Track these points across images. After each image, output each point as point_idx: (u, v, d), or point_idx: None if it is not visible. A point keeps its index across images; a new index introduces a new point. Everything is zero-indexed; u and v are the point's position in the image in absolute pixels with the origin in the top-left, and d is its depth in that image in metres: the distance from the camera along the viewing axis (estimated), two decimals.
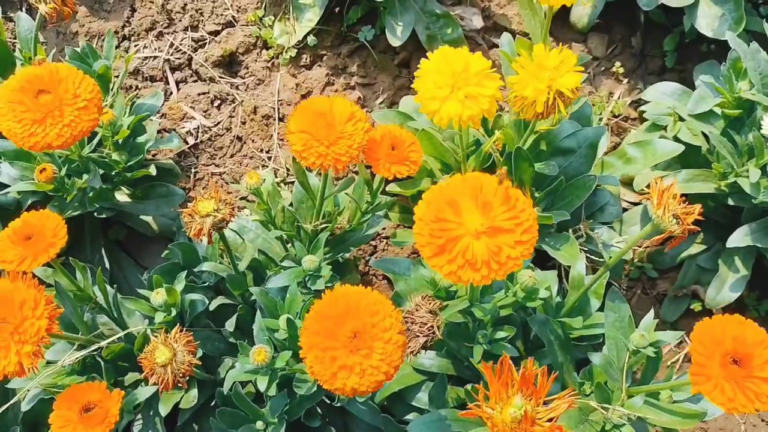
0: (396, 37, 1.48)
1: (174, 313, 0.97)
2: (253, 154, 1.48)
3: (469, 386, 0.94)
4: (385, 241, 1.41)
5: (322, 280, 1.00)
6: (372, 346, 0.75)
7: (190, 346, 0.85)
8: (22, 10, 1.52)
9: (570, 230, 1.13)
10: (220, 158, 1.47)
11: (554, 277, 1.00)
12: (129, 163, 1.09)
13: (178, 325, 0.87)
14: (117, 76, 1.24)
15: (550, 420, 0.64)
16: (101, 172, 1.07)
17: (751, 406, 0.69)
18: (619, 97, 1.61)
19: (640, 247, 1.45)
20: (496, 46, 1.65)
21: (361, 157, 0.95)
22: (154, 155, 1.36)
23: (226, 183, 1.45)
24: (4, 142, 1.08)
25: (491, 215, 0.74)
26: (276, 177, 1.45)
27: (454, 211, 0.76)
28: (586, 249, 1.12)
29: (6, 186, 1.08)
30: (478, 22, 1.63)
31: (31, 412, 0.96)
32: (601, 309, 1.01)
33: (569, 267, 1.05)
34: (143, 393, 0.91)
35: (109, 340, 0.93)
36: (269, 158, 1.47)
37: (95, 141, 1.07)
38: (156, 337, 0.84)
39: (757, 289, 1.39)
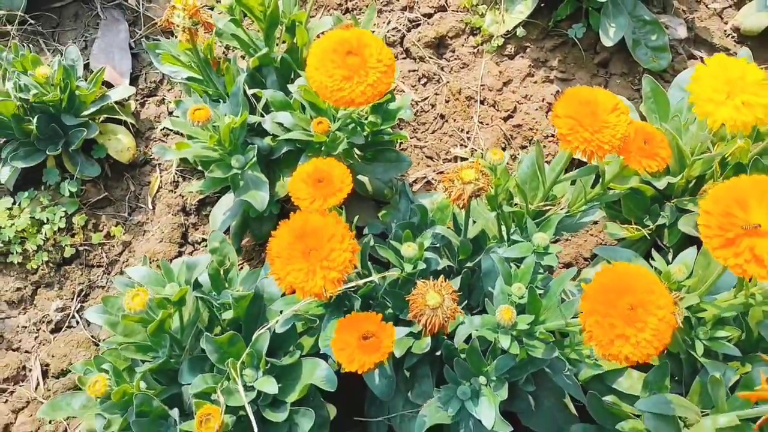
0: (609, 37, 1.53)
1: (419, 267, 1.06)
2: (453, 133, 1.56)
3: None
4: None
5: (552, 257, 1.07)
6: (646, 320, 0.81)
7: (454, 295, 0.94)
8: None
9: None
10: (422, 132, 1.56)
11: None
12: (381, 126, 1.19)
13: (442, 277, 0.96)
14: None
15: None
16: (360, 140, 1.18)
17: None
18: None
19: None
20: (694, 57, 1.67)
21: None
22: None
23: (427, 157, 1.54)
24: (274, 93, 1.20)
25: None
26: (473, 156, 1.53)
27: (742, 208, 0.81)
28: None
29: (267, 134, 1.21)
30: (682, 32, 1.65)
31: (281, 335, 1.08)
32: None
33: None
34: (398, 332, 1.00)
35: (366, 280, 1.04)
36: (468, 138, 1.55)
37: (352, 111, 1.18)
38: (425, 283, 0.94)
39: None
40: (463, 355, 1.05)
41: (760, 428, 0.87)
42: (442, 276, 0.96)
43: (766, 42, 1.66)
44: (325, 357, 1.07)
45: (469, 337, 1.06)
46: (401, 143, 1.53)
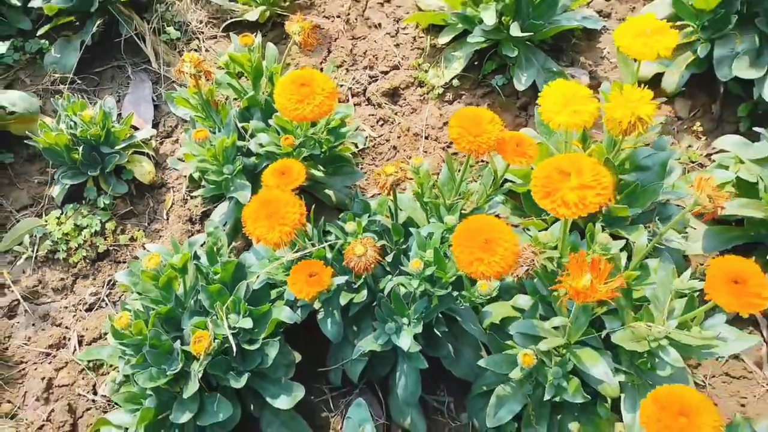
0: (521, 84, 1.97)
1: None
2: (404, 160, 1.98)
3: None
4: None
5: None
6: (495, 249, 1.19)
7: (376, 250, 1.32)
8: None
9: (641, 225, 1.53)
10: (379, 160, 1.98)
11: (620, 247, 1.41)
12: (333, 144, 1.61)
13: (369, 234, 1.35)
14: None
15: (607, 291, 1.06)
16: (317, 151, 1.60)
17: (739, 306, 1.07)
18: (696, 148, 2.00)
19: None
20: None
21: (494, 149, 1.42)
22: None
23: None
24: (256, 122, 1.64)
25: (582, 177, 1.18)
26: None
27: (560, 173, 1.20)
28: (651, 238, 1.52)
29: (254, 154, 1.63)
30: (585, 80, 2.08)
31: (257, 291, 1.46)
32: None
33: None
34: (336, 281, 1.38)
35: (316, 248, 1.43)
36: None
37: (314, 127, 1.60)
38: (355, 240, 1.33)
39: None
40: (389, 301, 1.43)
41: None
42: (369, 235, 1.35)
43: (653, 84, 2.08)
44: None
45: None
46: (361, 167, 1.94)
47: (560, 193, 1.17)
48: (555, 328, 1.32)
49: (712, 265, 1.13)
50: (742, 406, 1.66)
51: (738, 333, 1.35)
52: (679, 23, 2.00)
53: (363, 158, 1.97)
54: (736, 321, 1.71)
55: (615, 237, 1.54)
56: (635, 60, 1.43)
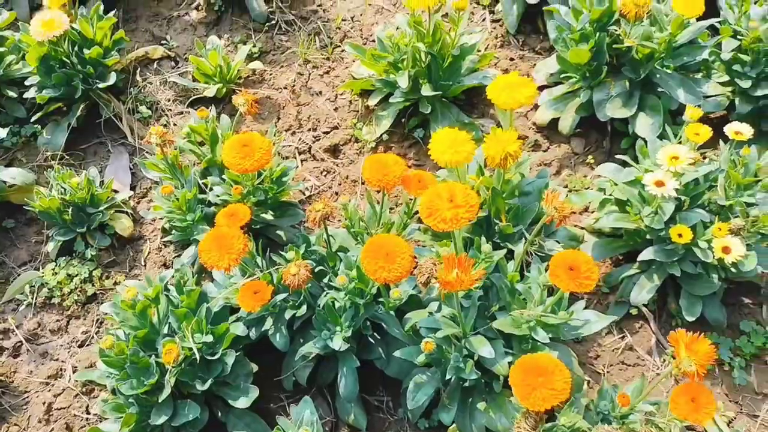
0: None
1: None
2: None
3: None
4: None
5: None
6: (394, 259, 1.53)
7: (307, 270, 1.66)
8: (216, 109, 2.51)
9: (526, 242, 1.88)
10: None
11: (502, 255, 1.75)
12: (276, 192, 1.97)
13: (301, 257, 1.69)
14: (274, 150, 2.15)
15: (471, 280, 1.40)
16: (262, 196, 1.96)
17: (574, 286, 1.41)
18: (589, 177, 2.37)
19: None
20: None
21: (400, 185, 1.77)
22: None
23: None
24: (213, 178, 2.00)
25: (455, 200, 1.53)
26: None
27: (439, 198, 1.55)
28: (534, 250, 1.87)
29: (213, 204, 1.99)
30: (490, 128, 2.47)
31: (218, 313, 1.78)
32: None
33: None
34: (278, 298, 1.71)
35: (262, 273, 1.76)
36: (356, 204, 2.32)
37: (260, 177, 1.97)
38: (291, 261, 1.66)
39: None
40: (324, 312, 1.75)
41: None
42: (302, 259, 1.69)
43: (552, 127, 2.46)
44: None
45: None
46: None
47: (439, 212, 1.52)
48: (451, 319, 1.65)
49: (553, 259, 1.48)
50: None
51: (598, 315, 1.69)
52: (563, 75, 2.41)
53: (310, 203, 2.32)
54: (637, 318, 2.05)
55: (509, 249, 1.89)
56: (506, 109, 1.81)
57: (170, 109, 2.51)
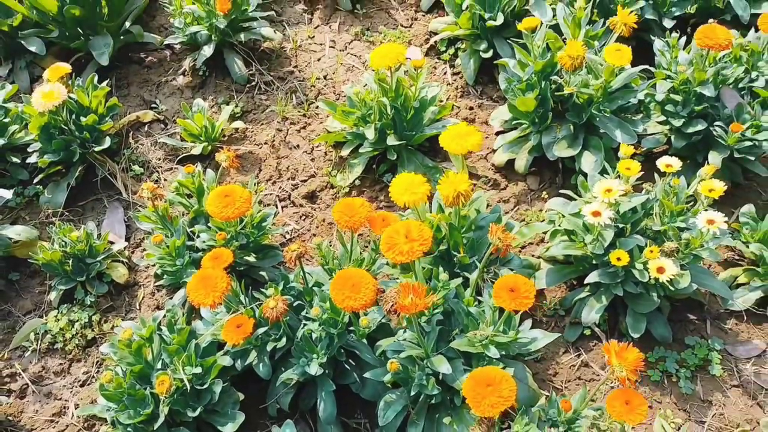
0: None
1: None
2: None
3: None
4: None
5: None
6: (360, 290, 1.72)
7: (284, 303, 1.84)
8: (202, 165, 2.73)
9: (478, 270, 2.07)
10: (302, 242, 2.53)
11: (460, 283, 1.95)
12: (257, 236, 2.17)
13: (280, 294, 1.87)
14: (254, 199, 2.36)
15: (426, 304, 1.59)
16: (245, 240, 2.16)
17: (515, 306, 1.60)
18: (543, 211, 2.58)
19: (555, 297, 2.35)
20: None
21: (367, 225, 1.98)
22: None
23: (306, 259, 2.50)
24: (200, 226, 2.20)
25: (411, 235, 1.73)
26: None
27: (397, 234, 1.76)
28: (490, 277, 2.06)
29: (200, 249, 2.18)
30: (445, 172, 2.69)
31: (206, 348, 1.96)
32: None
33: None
34: (259, 331, 1.89)
35: (245, 309, 1.95)
36: (330, 244, 2.52)
37: (242, 224, 2.17)
38: (270, 296, 1.85)
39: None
40: (302, 342, 1.93)
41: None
42: (280, 294, 1.87)
43: (509, 167, 2.69)
44: None
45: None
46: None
47: (397, 246, 1.73)
48: (415, 342, 1.83)
49: (497, 283, 1.68)
50: (593, 401, 2.15)
51: (544, 333, 1.88)
52: (515, 121, 2.65)
53: (290, 245, 2.51)
54: (591, 337, 2.23)
55: (465, 278, 2.08)
56: (457, 154, 2.03)
57: (161, 167, 2.73)
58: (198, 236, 2.19)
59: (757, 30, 2.47)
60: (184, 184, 2.27)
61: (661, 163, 2.15)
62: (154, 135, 2.82)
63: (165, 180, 2.69)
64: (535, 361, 2.21)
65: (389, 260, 1.70)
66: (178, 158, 2.74)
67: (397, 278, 2.15)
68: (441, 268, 1.93)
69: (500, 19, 2.77)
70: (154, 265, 2.39)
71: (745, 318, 2.29)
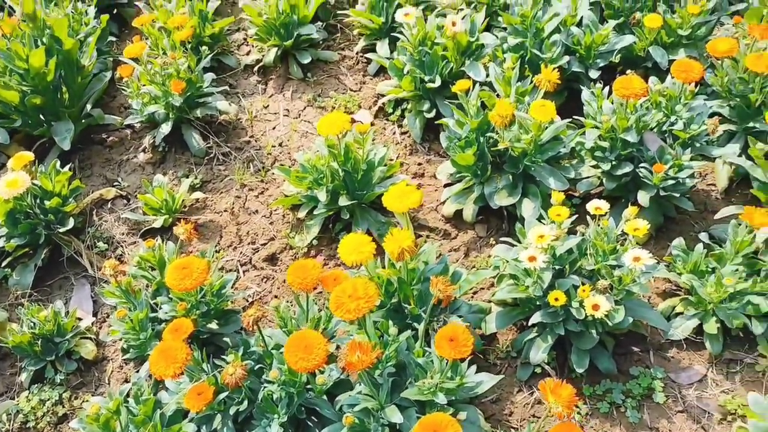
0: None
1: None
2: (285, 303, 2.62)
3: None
4: None
5: None
6: (312, 351, 1.82)
7: (243, 369, 1.93)
8: (162, 240, 2.82)
9: (423, 322, 2.17)
10: (263, 304, 2.62)
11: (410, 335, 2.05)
12: (217, 303, 2.26)
13: (241, 359, 1.96)
14: (214, 267, 2.46)
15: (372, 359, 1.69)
16: (205, 309, 2.25)
17: (455, 354, 1.71)
18: (493, 257, 2.71)
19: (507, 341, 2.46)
20: (419, 236, 2.83)
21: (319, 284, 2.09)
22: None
23: (269, 321, 2.58)
24: (162, 297, 2.29)
25: (356, 293, 1.84)
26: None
27: (344, 293, 1.87)
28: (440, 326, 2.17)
29: (163, 321, 2.27)
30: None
31: (172, 416, 2.03)
32: None
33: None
34: (221, 397, 1.97)
35: (209, 376, 2.03)
36: (290, 303, 2.61)
37: (202, 293, 2.26)
38: (229, 363, 1.94)
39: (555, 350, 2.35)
40: (262, 404, 2.01)
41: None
42: (240, 361, 1.96)
43: (458, 218, 2.83)
44: None
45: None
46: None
47: (345, 305, 1.84)
48: (369, 395, 1.92)
49: (437, 334, 1.79)
50: None
51: (490, 376, 1.98)
52: (459, 175, 2.81)
53: (248, 310, 2.60)
54: (542, 375, 2.33)
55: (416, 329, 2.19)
56: (399, 212, 2.17)
57: (125, 241, 2.83)
58: (160, 308, 2.28)
59: (673, 76, 2.67)
60: (145, 258, 2.37)
61: (591, 206, 2.30)
62: (117, 211, 2.93)
63: (129, 254, 2.78)
64: (491, 402, 2.30)
65: (338, 317, 1.81)
66: (141, 232, 2.85)
67: (353, 334, 2.25)
68: (391, 322, 2.04)
69: (438, 81, 2.95)
70: (120, 339, 2.46)
71: (685, 346, 2.41)
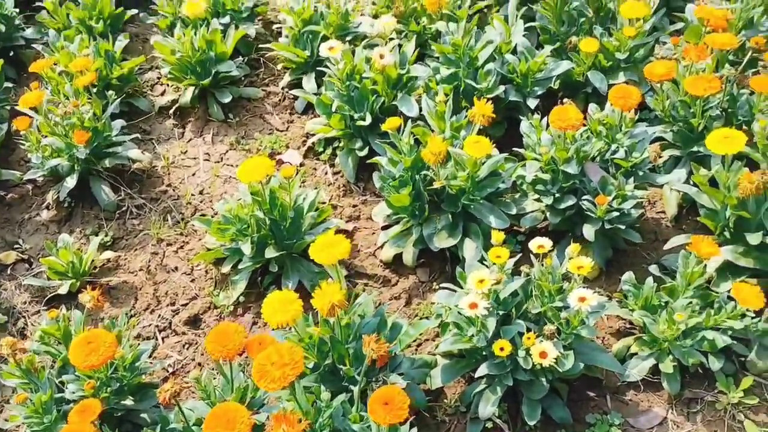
0: (288, 287, 2.69)
1: None
2: (208, 372, 2.59)
3: None
4: None
5: None
6: (235, 426, 1.80)
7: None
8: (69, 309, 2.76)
9: (358, 384, 2.18)
10: (186, 374, 2.58)
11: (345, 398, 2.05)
12: (129, 378, 2.22)
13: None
14: (128, 336, 2.42)
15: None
16: (117, 385, 2.20)
17: (390, 419, 1.72)
18: (433, 303, 2.75)
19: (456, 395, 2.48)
20: (355, 283, 2.85)
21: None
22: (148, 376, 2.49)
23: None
24: (69, 375, 2.23)
25: (282, 360, 1.84)
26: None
27: (268, 360, 1.86)
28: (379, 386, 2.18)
29: (71, 401, 2.21)
30: (343, 273, 2.84)
31: None
32: None
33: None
34: None
35: None
36: (214, 371, 2.58)
37: (113, 367, 2.22)
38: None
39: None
40: None
41: None
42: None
43: (398, 262, 2.86)
44: None
45: None
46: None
47: (269, 374, 1.83)
48: None
49: (372, 397, 1.80)
50: None
51: None
52: (395, 216, 2.85)
53: (164, 385, 2.56)
54: (494, 430, 2.35)
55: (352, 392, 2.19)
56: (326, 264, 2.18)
57: (27, 311, 2.75)
58: (67, 387, 2.22)
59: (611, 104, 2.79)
60: (48, 332, 2.31)
61: (533, 244, 2.36)
62: (18, 277, 2.85)
63: (33, 325, 2.71)
64: None
65: (262, 388, 1.80)
66: (46, 299, 2.78)
67: (283, 402, 2.24)
68: (324, 387, 2.04)
69: (369, 119, 3.01)
70: (23, 424, 2.38)
71: (643, 387, 2.48)
